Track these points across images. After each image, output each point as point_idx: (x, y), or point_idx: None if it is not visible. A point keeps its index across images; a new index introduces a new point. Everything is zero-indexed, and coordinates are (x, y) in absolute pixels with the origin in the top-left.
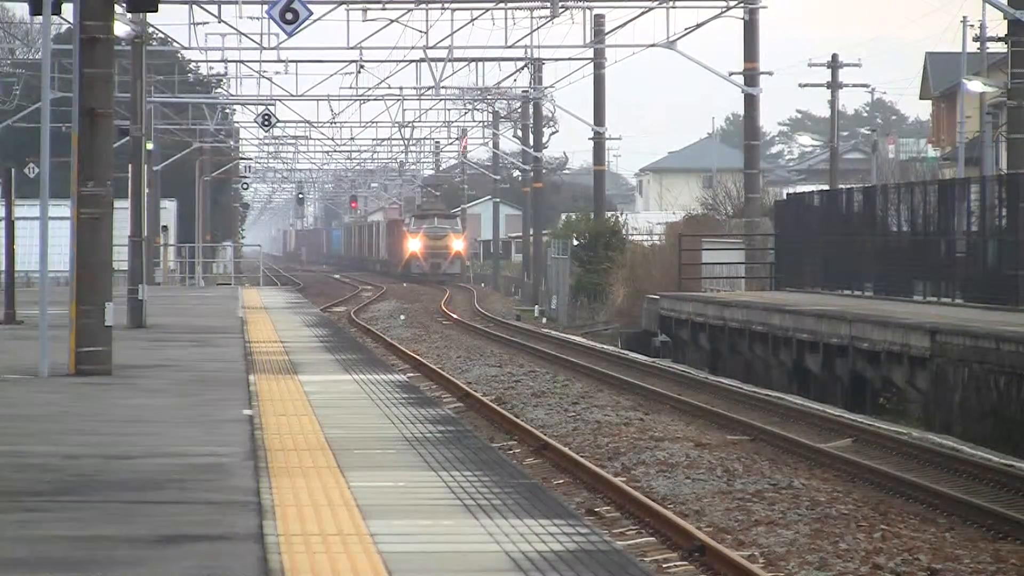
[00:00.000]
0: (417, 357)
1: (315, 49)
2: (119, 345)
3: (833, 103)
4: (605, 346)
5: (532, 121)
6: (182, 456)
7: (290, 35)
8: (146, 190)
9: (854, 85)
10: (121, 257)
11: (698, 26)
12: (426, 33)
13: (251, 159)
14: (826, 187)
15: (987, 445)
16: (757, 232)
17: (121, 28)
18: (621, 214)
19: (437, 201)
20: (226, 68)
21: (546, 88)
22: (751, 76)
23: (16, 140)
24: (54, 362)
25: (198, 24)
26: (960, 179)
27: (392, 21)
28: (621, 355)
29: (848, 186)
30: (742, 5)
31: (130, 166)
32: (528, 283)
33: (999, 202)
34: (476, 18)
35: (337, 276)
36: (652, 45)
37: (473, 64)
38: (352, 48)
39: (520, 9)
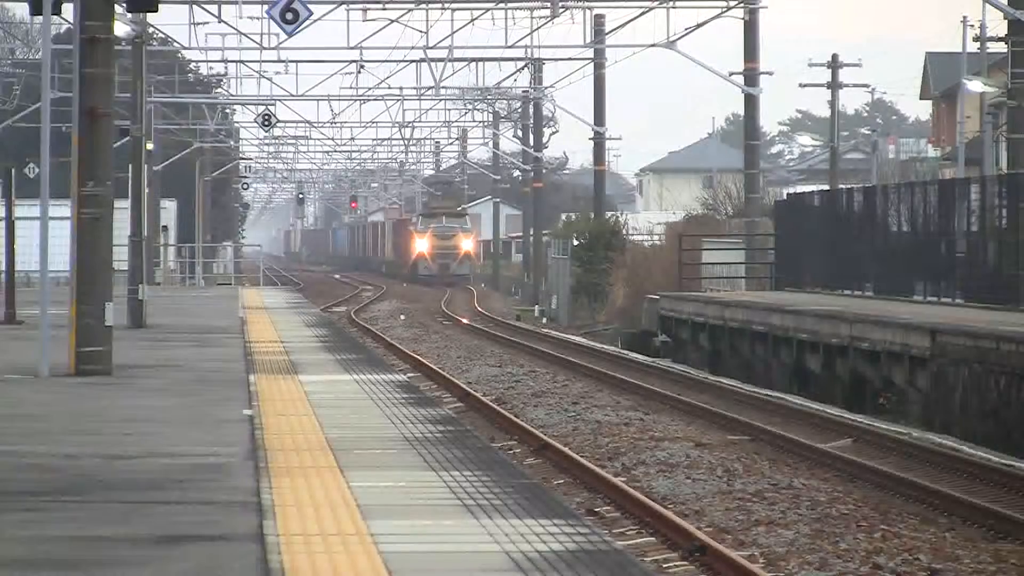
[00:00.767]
0: (417, 357)
1: (315, 49)
2: (119, 345)
3: (833, 103)
4: (605, 346)
5: (532, 121)
6: (182, 456)
7: (290, 35)
8: (146, 190)
9: (854, 85)
10: (121, 257)
11: (698, 26)
12: (426, 33)
13: (251, 159)
14: (826, 187)
15: (987, 445)
16: (757, 232)
17: (121, 28)
18: (621, 214)
19: (446, 198)
20: (226, 68)
21: (546, 88)
22: (751, 76)
23: (16, 140)
24: (54, 362)
25: (198, 24)
26: (960, 179)
27: (392, 21)
28: (621, 355)
29: (848, 186)
30: (742, 5)
31: (130, 166)
32: (528, 283)
33: (999, 202)
34: (476, 18)
35: (337, 276)
36: (652, 45)
37: (473, 64)
38: (352, 48)
39: (520, 9)
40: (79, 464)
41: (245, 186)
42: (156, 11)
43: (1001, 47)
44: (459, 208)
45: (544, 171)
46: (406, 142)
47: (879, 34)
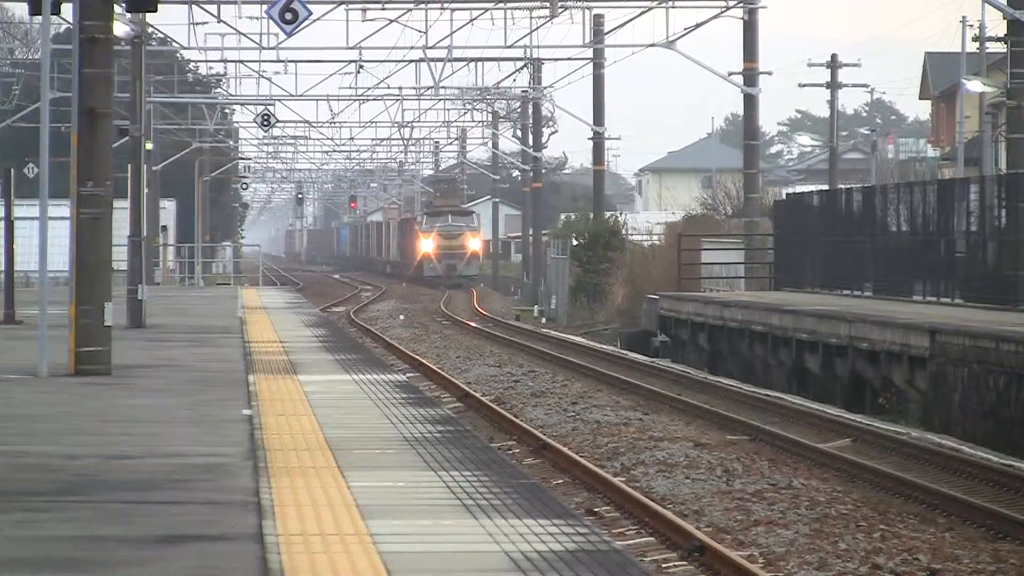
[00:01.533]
0: (417, 357)
1: (315, 49)
2: (119, 345)
3: (833, 103)
4: (604, 346)
5: (532, 121)
6: (182, 456)
7: (289, 35)
8: (145, 190)
9: (854, 85)
10: (121, 257)
11: (697, 26)
12: (425, 33)
13: (250, 159)
14: (825, 187)
15: (987, 445)
16: (756, 232)
17: (120, 28)
18: (620, 214)
19: (451, 196)
20: (225, 68)
21: (545, 88)
22: (750, 76)
23: (16, 140)
24: (54, 362)
25: (197, 24)
26: (960, 179)
27: (392, 21)
28: (620, 355)
29: (847, 186)
30: (741, 5)
31: (130, 166)
32: (527, 283)
33: (999, 202)
34: (475, 18)
35: (337, 276)
36: (652, 45)
37: (472, 64)
38: (352, 48)
39: (520, 9)
40: (79, 464)
41: (244, 186)
42: (155, 11)
43: (1000, 47)
44: (464, 208)
45: (543, 171)
46: (405, 142)
47: (879, 34)
